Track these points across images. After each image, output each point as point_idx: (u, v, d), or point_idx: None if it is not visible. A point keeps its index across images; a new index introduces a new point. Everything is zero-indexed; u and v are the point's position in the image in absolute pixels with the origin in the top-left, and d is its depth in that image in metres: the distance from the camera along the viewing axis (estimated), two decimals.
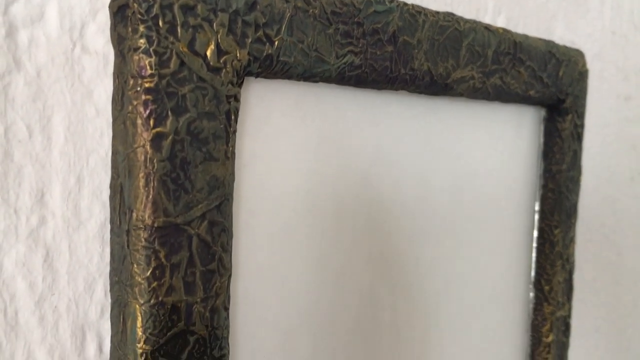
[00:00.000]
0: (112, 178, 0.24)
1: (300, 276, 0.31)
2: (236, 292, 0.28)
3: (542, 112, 0.51)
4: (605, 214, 0.69)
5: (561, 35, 0.58)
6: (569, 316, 0.55)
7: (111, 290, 0.24)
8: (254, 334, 0.29)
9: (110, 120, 0.25)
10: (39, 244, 0.24)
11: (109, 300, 0.25)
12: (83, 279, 0.25)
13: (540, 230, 0.52)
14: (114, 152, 0.24)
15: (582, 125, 0.52)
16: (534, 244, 0.52)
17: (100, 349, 0.26)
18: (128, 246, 0.23)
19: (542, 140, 0.51)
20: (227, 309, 0.26)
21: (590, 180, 0.66)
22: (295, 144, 0.30)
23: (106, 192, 0.25)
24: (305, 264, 0.31)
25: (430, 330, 0.42)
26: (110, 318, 0.25)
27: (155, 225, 0.23)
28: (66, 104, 0.24)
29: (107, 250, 0.25)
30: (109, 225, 0.25)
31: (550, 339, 0.52)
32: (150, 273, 0.23)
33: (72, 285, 0.25)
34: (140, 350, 0.23)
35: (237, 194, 0.28)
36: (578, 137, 0.52)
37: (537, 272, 0.52)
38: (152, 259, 0.23)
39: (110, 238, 0.24)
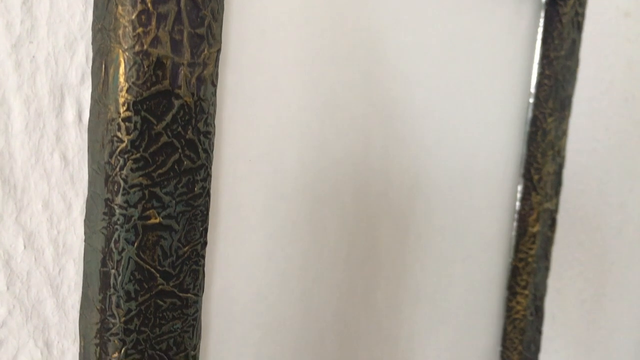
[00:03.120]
0: None
1: (292, 98, 0.30)
2: (222, 107, 0.27)
3: None
4: (597, 129, 0.69)
5: None
6: (555, 211, 0.54)
7: (93, 42, 0.23)
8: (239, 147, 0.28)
9: None
10: None
11: (90, 66, 0.24)
12: (64, 36, 0.23)
13: (534, 118, 0.51)
14: None
15: (582, 15, 0.51)
16: (526, 132, 0.51)
17: (79, 117, 0.24)
18: None
19: (541, 27, 0.50)
20: (214, 85, 0.25)
21: (585, 95, 0.66)
22: None
23: None
24: (299, 89, 0.30)
25: (416, 200, 0.42)
26: (92, 72, 0.23)
27: None
28: None
29: (90, 11, 0.24)
30: None
31: (536, 229, 0.52)
32: (136, 17, 0.22)
33: (52, 39, 0.23)
34: (123, 99, 0.22)
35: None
36: (578, 26, 0.51)
37: (527, 161, 0.52)
38: (138, 1, 0.22)
39: None
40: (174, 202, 0.24)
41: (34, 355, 0.24)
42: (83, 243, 0.25)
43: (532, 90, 0.50)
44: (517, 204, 0.52)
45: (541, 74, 0.50)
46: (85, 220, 0.24)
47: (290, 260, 0.32)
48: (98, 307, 0.23)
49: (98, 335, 0.23)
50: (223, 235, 0.29)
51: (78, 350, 0.25)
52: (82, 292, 0.24)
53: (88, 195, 0.24)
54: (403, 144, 0.39)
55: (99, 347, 0.23)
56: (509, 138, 0.50)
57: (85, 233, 0.24)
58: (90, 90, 0.24)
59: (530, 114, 0.51)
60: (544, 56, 0.50)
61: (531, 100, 0.50)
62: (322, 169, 0.32)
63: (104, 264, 0.23)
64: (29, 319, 0.24)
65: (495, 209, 0.51)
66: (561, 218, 0.62)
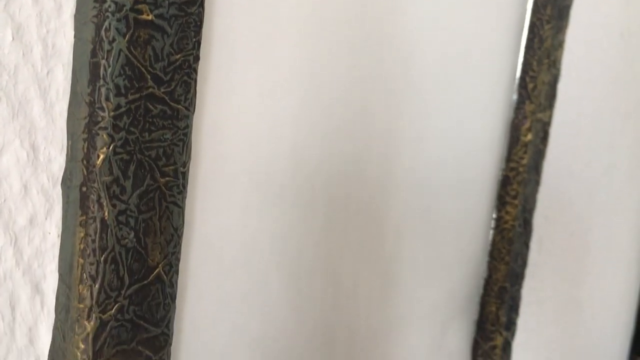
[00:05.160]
0: None
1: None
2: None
3: None
4: (591, 64, 0.69)
5: None
6: (548, 124, 0.54)
7: None
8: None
9: None
10: None
11: None
12: None
13: (531, 25, 0.50)
14: None
15: None
16: (523, 40, 0.51)
17: None
18: None
19: None
20: None
21: (582, 27, 0.65)
22: None
23: None
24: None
25: (411, 97, 0.41)
26: None
27: None
28: None
29: None
30: None
31: (528, 138, 0.52)
32: None
33: None
34: None
35: None
36: None
37: (523, 69, 0.51)
38: None
39: None
40: (166, 2, 0.24)
41: (20, 155, 0.24)
42: (72, 49, 0.24)
43: None
44: (511, 112, 0.52)
45: None
46: (75, 15, 0.23)
47: (284, 112, 0.32)
48: (87, 101, 0.23)
49: (86, 130, 0.23)
50: (215, 70, 0.28)
51: (65, 158, 0.25)
52: (71, 91, 0.24)
53: None
54: (399, 43, 0.39)
55: (86, 142, 0.23)
56: (506, 44, 0.50)
57: (75, 28, 0.23)
58: None
59: (527, 20, 0.50)
60: None
61: (529, 5, 0.50)
62: (320, 23, 0.32)
63: (93, 54, 0.23)
64: (15, 116, 0.24)
65: (489, 116, 0.50)
66: (552, 138, 0.62)
